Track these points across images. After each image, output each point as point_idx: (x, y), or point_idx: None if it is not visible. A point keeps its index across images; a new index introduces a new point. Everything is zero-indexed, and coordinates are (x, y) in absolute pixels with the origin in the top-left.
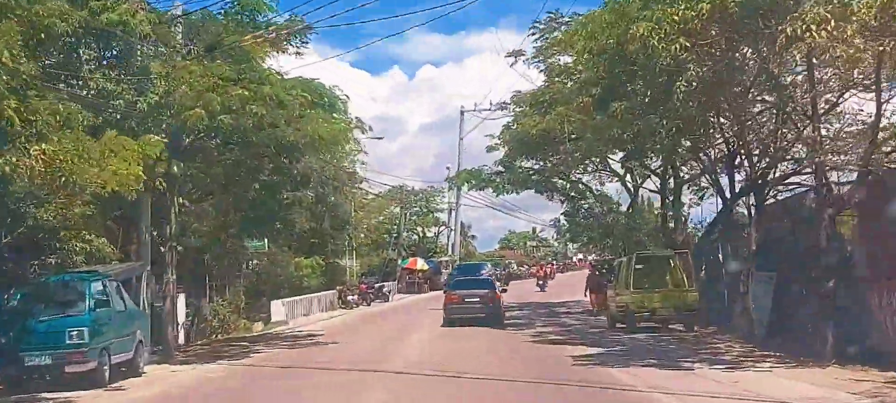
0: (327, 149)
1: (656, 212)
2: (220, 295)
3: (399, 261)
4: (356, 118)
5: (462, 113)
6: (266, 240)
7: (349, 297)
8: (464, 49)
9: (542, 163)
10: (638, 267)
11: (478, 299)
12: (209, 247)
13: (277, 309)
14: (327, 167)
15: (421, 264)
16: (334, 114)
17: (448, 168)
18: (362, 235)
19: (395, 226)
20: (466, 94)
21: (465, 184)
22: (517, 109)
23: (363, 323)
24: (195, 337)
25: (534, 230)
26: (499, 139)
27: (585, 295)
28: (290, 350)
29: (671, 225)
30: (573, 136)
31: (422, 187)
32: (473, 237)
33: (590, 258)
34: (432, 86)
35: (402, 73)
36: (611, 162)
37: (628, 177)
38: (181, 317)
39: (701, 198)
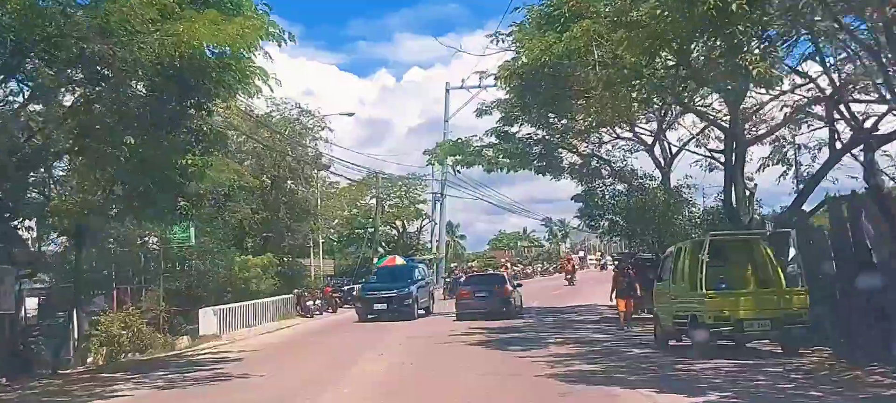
0: (230, 77)
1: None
2: (136, 301)
3: (375, 260)
4: (270, 21)
5: (447, 90)
6: (191, 231)
7: (309, 303)
8: (452, 51)
9: (545, 134)
10: (709, 256)
11: (486, 294)
12: (82, 234)
13: (209, 319)
14: (281, 141)
15: (400, 263)
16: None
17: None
18: (332, 230)
19: (371, 220)
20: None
21: (449, 159)
22: (521, 35)
23: (314, 338)
24: (76, 360)
25: (524, 230)
26: (494, 81)
27: (611, 300)
28: (168, 390)
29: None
30: (605, 67)
31: (401, 174)
32: (462, 237)
33: (589, 256)
34: (420, 88)
35: (390, 75)
36: (639, 129)
37: (658, 147)
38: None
39: (780, 160)
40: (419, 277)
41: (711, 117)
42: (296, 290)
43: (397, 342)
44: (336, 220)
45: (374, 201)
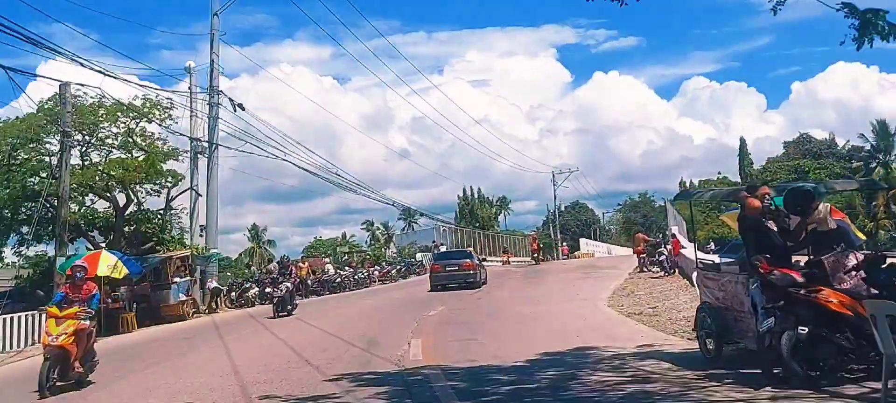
0: None
1: None
2: None
3: (58, 263)
4: None
5: None
6: None
7: None
8: (267, 61)
9: None
10: None
11: (457, 267)
12: None
13: None
14: None
15: (108, 265)
16: None
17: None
18: None
19: (48, 182)
20: (270, 107)
21: None
22: None
23: None
24: None
25: (343, 235)
26: None
27: None
28: None
29: None
30: None
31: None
32: (271, 243)
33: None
34: (239, 98)
35: (200, 86)
36: None
37: None
38: None
39: None
40: None
41: None
42: None
43: None
44: None
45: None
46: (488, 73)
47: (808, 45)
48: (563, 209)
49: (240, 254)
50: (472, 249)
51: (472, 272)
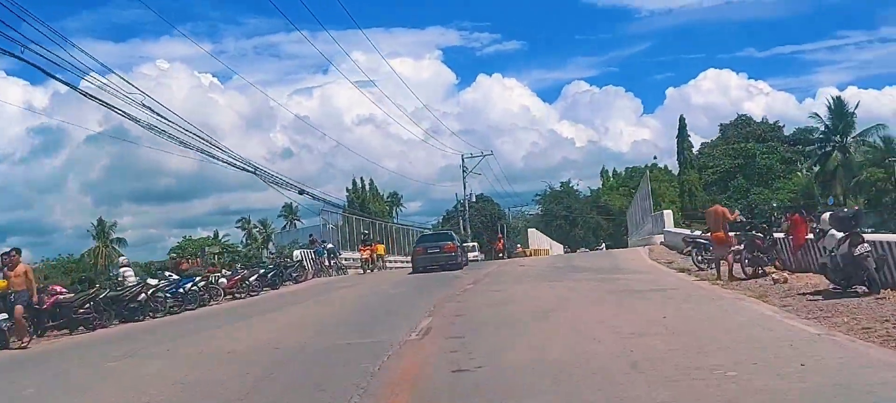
0: None
1: None
2: None
3: None
4: None
5: None
6: None
7: None
8: (137, 57)
9: None
10: None
11: (438, 250)
12: None
13: None
14: None
15: None
16: None
17: None
18: None
19: None
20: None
21: None
22: None
23: None
24: None
25: (215, 234)
26: None
27: None
28: None
29: None
30: None
31: None
32: (121, 241)
33: None
34: (100, 94)
35: (66, 82)
36: None
37: None
38: None
39: None
40: None
41: None
42: None
43: None
44: None
45: None
46: (373, 74)
47: (681, 52)
48: (465, 202)
49: (83, 254)
50: (452, 232)
51: (454, 254)
